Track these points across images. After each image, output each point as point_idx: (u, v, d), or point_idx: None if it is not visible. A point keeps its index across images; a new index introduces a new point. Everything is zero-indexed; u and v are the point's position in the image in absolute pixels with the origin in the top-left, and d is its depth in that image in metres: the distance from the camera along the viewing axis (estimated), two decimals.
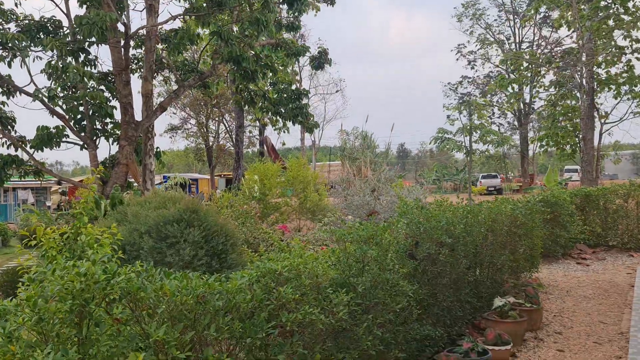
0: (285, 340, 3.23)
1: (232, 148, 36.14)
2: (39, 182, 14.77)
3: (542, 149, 25.96)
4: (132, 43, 12.90)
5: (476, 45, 41.37)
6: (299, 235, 9.08)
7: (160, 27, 13.00)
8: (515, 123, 40.50)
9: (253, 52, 13.07)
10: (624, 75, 23.27)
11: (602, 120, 23.81)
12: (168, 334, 2.53)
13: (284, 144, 36.66)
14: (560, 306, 7.63)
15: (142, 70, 13.18)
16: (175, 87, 15.46)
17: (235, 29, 13.44)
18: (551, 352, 5.65)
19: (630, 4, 21.98)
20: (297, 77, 37.34)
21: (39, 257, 4.33)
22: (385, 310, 4.22)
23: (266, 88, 15.98)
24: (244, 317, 3.01)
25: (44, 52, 11.64)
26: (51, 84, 11.77)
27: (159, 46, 13.76)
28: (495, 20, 41.32)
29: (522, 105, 38.23)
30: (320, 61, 15.36)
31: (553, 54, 29.40)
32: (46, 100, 11.65)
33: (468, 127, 23.59)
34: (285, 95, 14.56)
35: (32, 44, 11.62)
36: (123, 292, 2.64)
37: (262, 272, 3.36)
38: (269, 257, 3.66)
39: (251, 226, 7.57)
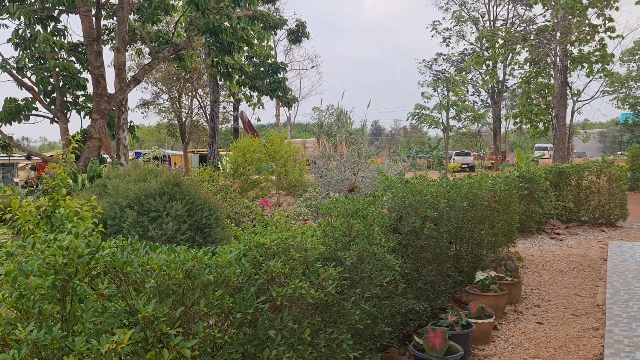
0: (275, 315, 3.16)
1: (206, 124, 35.56)
2: (8, 158, 14.29)
3: (516, 126, 26.29)
4: (103, 13, 12.44)
5: (451, 22, 41.41)
6: (279, 210, 9.00)
7: None
8: (489, 101, 40.92)
9: (229, 24, 12.73)
10: (597, 53, 23.58)
11: (575, 98, 24.18)
12: (157, 309, 2.43)
13: (258, 120, 36.24)
14: (537, 280, 7.75)
15: (114, 41, 12.75)
16: (147, 60, 15.04)
17: None
18: (531, 325, 5.74)
19: None
20: (272, 52, 36.80)
21: (13, 233, 4.14)
22: (372, 284, 4.19)
23: (242, 61, 15.64)
24: (233, 292, 2.93)
25: (10, 20, 11.12)
26: (19, 54, 11.29)
27: (132, 17, 13.30)
28: None
29: (495, 83, 38.58)
30: (298, 35, 15.04)
31: (528, 31, 29.58)
32: (14, 71, 11.18)
33: (445, 104, 23.62)
34: (262, 69, 14.26)
35: None
36: (108, 267, 2.52)
37: (250, 245, 3.27)
38: (256, 231, 3.56)
39: (232, 201, 7.45)
